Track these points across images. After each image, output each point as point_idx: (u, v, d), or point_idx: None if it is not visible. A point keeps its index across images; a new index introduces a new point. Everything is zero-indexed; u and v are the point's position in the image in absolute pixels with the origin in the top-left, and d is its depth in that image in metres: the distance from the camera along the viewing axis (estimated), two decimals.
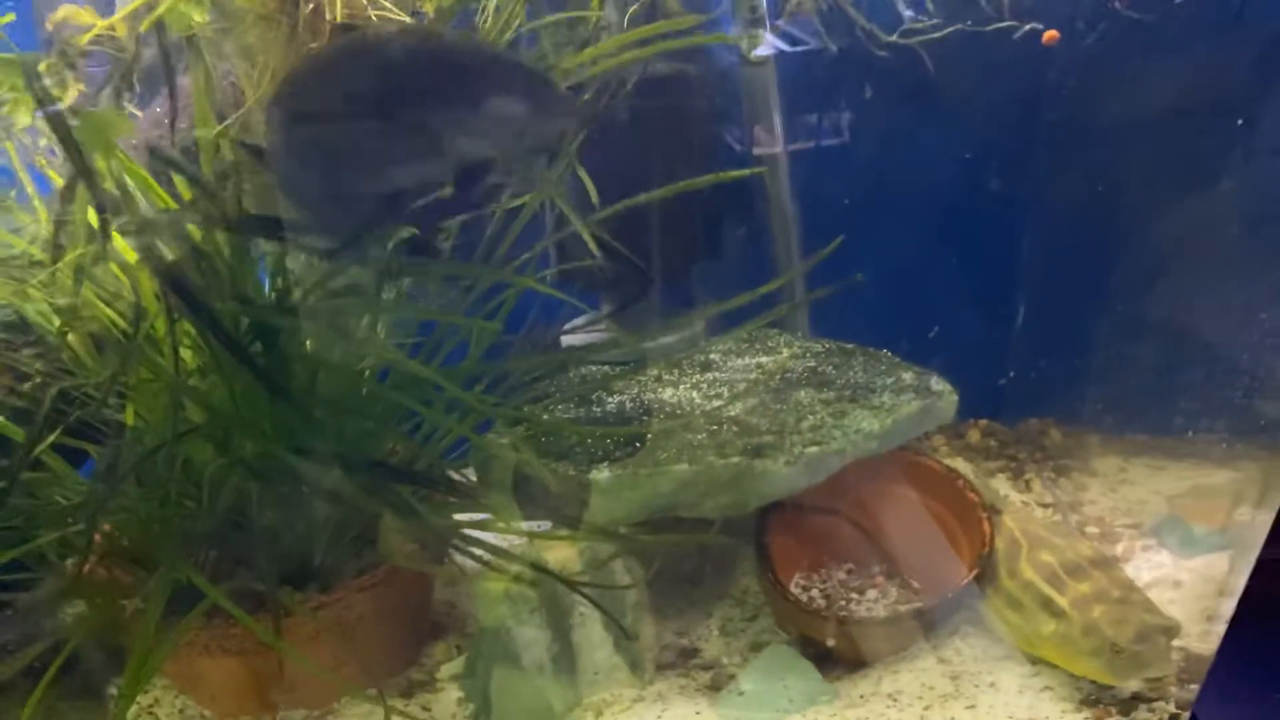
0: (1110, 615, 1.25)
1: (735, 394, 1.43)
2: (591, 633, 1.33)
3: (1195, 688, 1.31)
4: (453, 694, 1.41)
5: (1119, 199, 1.76)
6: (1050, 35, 1.62)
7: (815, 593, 1.45)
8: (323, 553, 1.36)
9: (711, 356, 1.61)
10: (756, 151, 1.75)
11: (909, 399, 1.42)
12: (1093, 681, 1.30)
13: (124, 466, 1.11)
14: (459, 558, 1.48)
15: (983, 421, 1.92)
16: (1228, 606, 1.34)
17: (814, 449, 1.30)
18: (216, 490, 1.27)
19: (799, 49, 1.76)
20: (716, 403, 1.42)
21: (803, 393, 1.44)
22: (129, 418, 1.21)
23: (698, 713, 1.34)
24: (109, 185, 1.07)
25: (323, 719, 1.38)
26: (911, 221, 1.81)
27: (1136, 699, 1.30)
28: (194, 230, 1.14)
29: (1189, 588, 1.49)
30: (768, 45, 1.74)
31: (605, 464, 1.29)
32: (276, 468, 1.12)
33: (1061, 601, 1.29)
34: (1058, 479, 1.78)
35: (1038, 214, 1.81)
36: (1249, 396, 1.68)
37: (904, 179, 1.80)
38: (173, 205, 1.19)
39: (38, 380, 1.22)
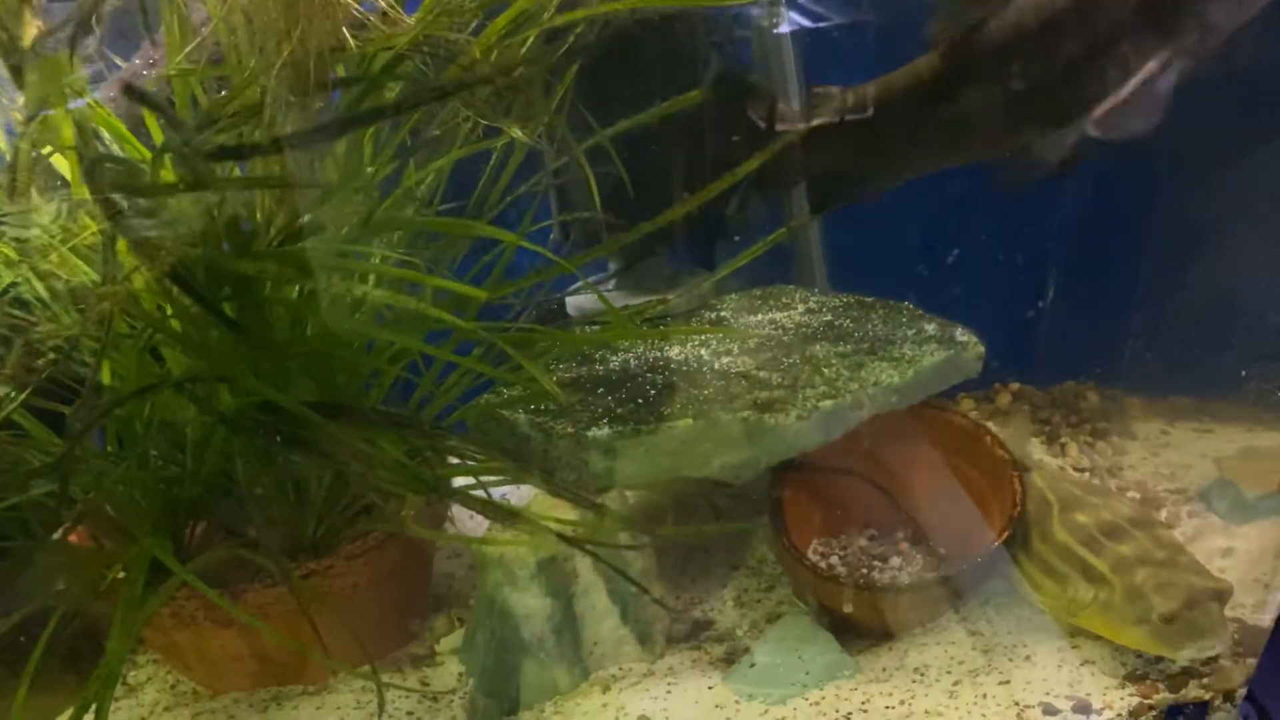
0: (1155, 579, 1.15)
1: (746, 349, 1.34)
2: (596, 602, 1.26)
3: (1252, 662, 1.21)
4: (453, 668, 1.34)
5: (1162, 153, 1.67)
6: None
7: (834, 560, 1.37)
8: (316, 521, 1.30)
9: (722, 314, 1.53)
10: (780, 128, 1.67)
11: (932, 350, 1.33)
12: (1139, 654, 1.21)
13: (96, 423, 1.05)
14: (460, 527, 1.43)
15: (1014, 384, 1.82)
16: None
17: (829, 403, 1.22)
18: (201, 452, 1.22)
19: (820, 25, 1.68)
20: (726, 359, 1.34)
21: (818, 346, 1.35)
22: (105, 376, 1.16)
23: (710, 687, 1.26)
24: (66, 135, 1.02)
25: (320, 695, 1.32)
26: (942, 180, 1.73)
27: (1187, 674, 1.20)
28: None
29: (1241, 555, 1.39)
30: (788, 21, 1.66)
31: (605, 421, 1.21)
32: (259, 421, 1.05)
33: (1100, 565, 1.19)
34: (1095, 443, 1.67)
35: (1077, 169, 1.71)
36: None
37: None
38: (146, 154, 1.14)
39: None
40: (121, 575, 1.16)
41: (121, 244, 1.04)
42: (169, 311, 1.08)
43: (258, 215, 1.03)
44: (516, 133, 0.98)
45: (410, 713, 1.27)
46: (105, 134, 1.17)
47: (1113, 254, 1.74)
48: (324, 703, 1.30)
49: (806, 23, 1.60)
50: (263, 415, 1.08)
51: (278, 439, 1.06)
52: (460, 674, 1.32)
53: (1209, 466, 1.60)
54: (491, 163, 1.29)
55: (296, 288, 1.06)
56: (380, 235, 1.10)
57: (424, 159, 1.19)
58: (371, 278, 1.18)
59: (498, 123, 0.96)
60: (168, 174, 1.12)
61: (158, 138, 1.17)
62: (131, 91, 1.03)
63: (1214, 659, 1.19)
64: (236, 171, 1.14)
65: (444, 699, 1.29)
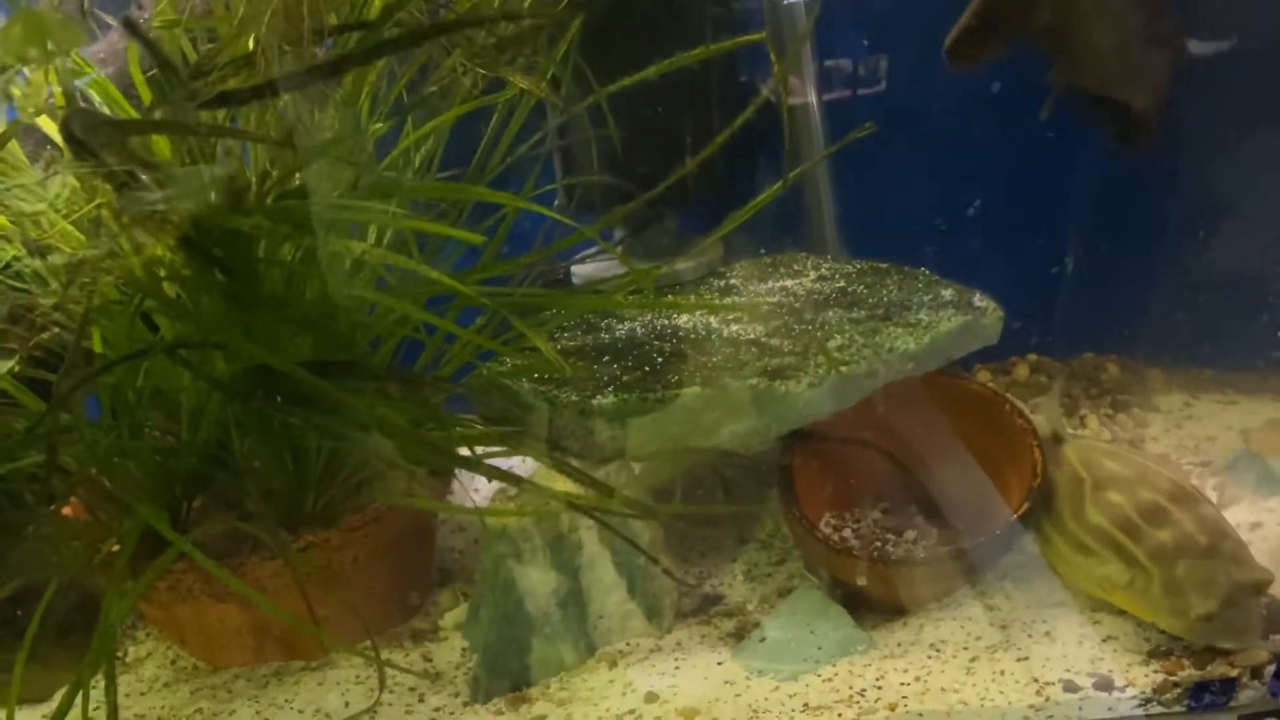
0: (1196, 574, 1.09)
1: (756, 315, 1.30)
2: (603, 575, 1.22)
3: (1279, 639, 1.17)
4: (457, 643, 1.31)
5: (1185, 120, 1.62)
6: None
7: (847, 533, 1.33)
8: (315, 493, 1.27)
9: (732, 281, 1.49)
10: (792, 102, 1.62)
11: (949, 315, 1.28)
12: (1163, 631, 1.16)
13: (82, 389, 1.02)
14: (463, 501, 1.40)
15: (1032, 356, 1.78)
16: None
17: (842, 369, 1.17)
18: (196, 422, 1.19)
19: None
20: (735, 327, 1.30)
21: (831, 313, 1.31)
22: (96, 344, 1.13)
23: (719, 663, 1.22)
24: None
25: (321, 670, 1.29)
26: (960, 152, 1.68)
27: (1212, 650, 1.15)
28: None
29: (1270, 529, 1.34)
30: None
31: (610, 389, 1.17)
32: (255, 386, 1.02)
33: (1137, 552, 1.14)
34: (1115, 415, 1.63)
35: (1097, 142, 1.67)
36: None
37: (950, 109, 1.66)
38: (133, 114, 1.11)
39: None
40: (116, 548, 1.14)
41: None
42: (161, 275, 1.05)
43: (249, 171, 0.99)
44: (521, 81, 0.94)
45: (413, 688, 1.24)
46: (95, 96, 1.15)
47: (1136, 222, 1.69)
48: (325, 678, 1.28)
49: None
50: (258, 379, 1.05)
51: (274, 402, 1.03)
52: (464, 650, 1.29)
53: (1234, 439, 1.55)
54: (492, 123, 1.24)
55: (291, 247, 1.02)
56: (376, 199, 1.06)
57: (422, 118, 1.15)
58: (371, 237, 1.14)
59: (500, 72, 0.92)
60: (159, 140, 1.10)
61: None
62: (129, 25, 0.99)
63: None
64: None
65: (447, 675, 1.26)
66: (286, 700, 1.24)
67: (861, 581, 1.17)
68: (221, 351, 1.08)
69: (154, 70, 1.00)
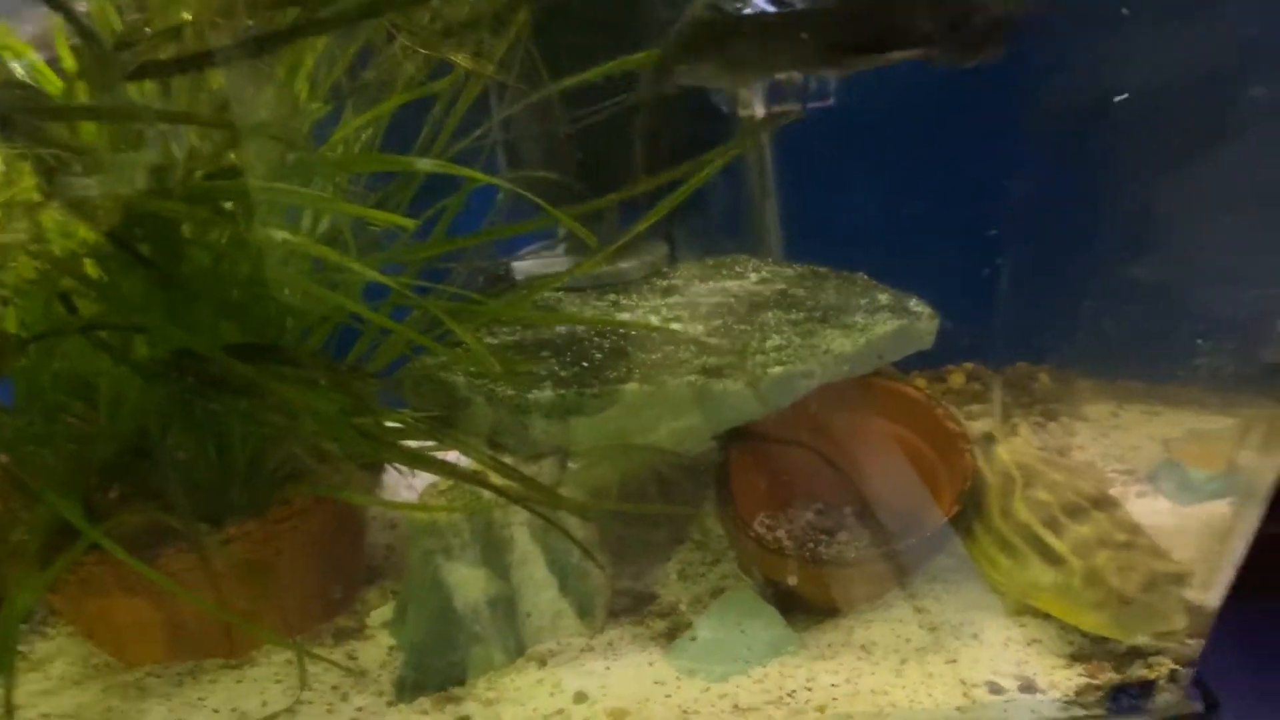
0: (1115, 562, 1.13)
1: (697, 315, 1.30)
2: (534, 573, 1.21)
3: (1197, 643, 1.20)
4: (383, 642, 1.28)
5: (1116, 135, 1.66)
6: None
7: (781, 534, 1.33)
8: (240, 484, 1.23)
9: (674, 281, 1.48)
10: (743, 113, 1.62)
11: (884, 318, 1.29)
12: (1085, 635, 1.19)
13: None
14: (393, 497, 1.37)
15: (967, 365, 1.80)
16: (1234, 556, 1.22)
17: (778, 369, 1.17)
18: (115, 408, 1.14)
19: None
20: (676, 325, 1.29)
21: (770, 314, 1.31)
22: (10, 324, 1.08)
23: (651, 663, 1.21)
24: None
25: (240, 669, 1.25)
26: (896, 161, 1.70)
27: (1133, 654, 1.18)
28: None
29: (1189, 536, 1.37)
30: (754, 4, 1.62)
31: (548, 384, 1.16)
32: (177, 370, 0.98)
33: (1060, 547, 1.16)
34: (1046, 423, 1.66)
35: (1030, 153, 1.70)
36: (1245, 342, 1.58)
37: (889, 119, 1.68)
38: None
39: None
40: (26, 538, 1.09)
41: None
42: (82, 254, 1.01)
43: (177, 149, 0.96)
44: (465, 63, 0.92)
45: (335, 687, 1.21)
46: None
47: (1068, 233, 1.72)
48: (243, 676, 1.24)
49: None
50: (181, 364, 1.02)
51: (197, 388, 0.99)
52: (390, 648, 1.26)
53: (1157, 448, 1.59)
54: (433, 113, 1.22)
55: (219, 229, 0.99)
56: (308, 179, 1.03)
57: (362, 105, 1.13)
58: (306, 222, 1.11)
59: (445, 54, 0.90)
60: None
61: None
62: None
63: (1170, 635, 1.18)
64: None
65: (372, 674, 1.22)
66: (201, 699, 1.20)
67: (792, 581, 1.17)
68: (143, 334, 1.04)
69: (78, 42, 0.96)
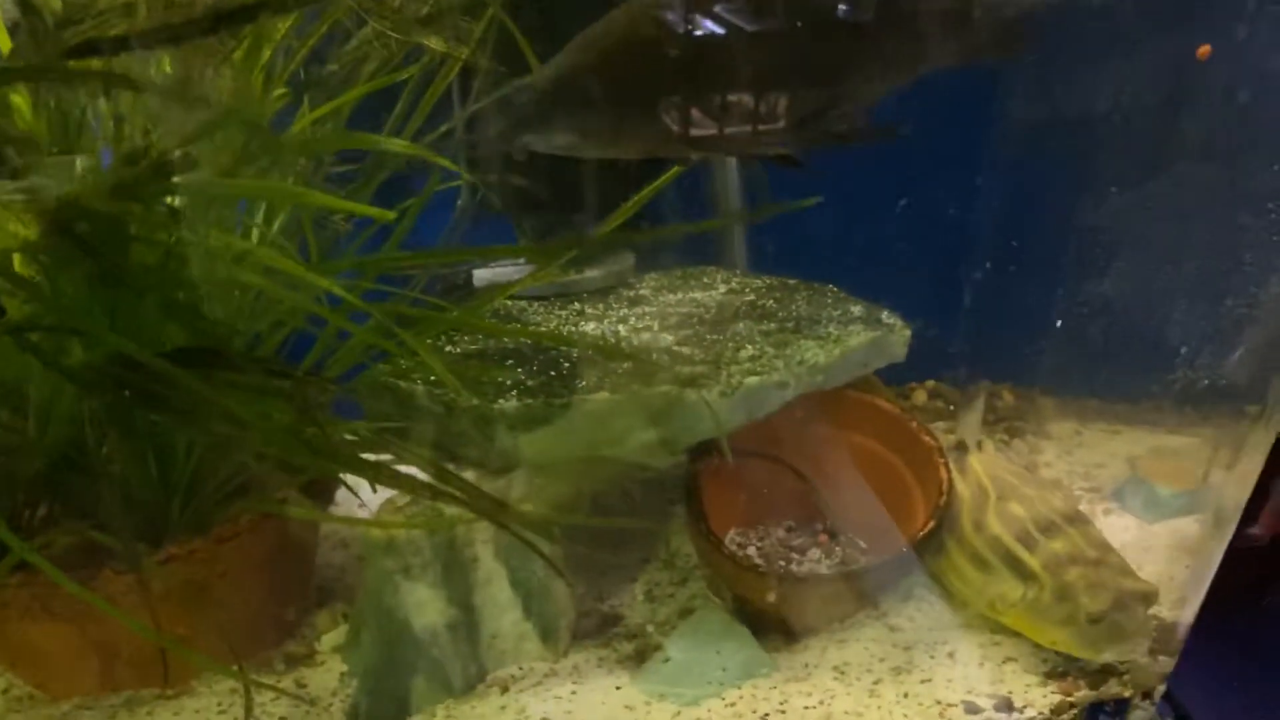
0: (1086, 579, 1.11)
1: (666, 325, 1.26)
2: (497, 594, 1.15)
3: (1169, 660, 1.19)
4: (335, 668, 1.21)
5: (1078, 156, 1.67)
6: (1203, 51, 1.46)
7: (752, 551, 1.29)
8: (182, 501, 1.15)
9: (641, 291, 1.44)
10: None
11: (858, 330, 1.27)
12: (1059, 653, 1.17)
13: None
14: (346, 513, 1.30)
15: (930, 382, 1.79)
16: (1205, 573, 1.21)
17: (753, 379, 1.14)
18: (46, 418, 1.06)
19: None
20: (645, 336, 1.25)
21: (741, 325, 1.28)
22: None
23: (618, 687, 1.16)
24: None
25: (178, 699, 1.17)
26: (861, 178, 1.69)
27: (1107, 671, 1.17)
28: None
29: (1157, 552, 1.37)
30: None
31: (514, 393, 1.11)
32: (114, 378, 0.91)
33: (1032, 563, 1.15)
34: (1011, 441, 1.65)
35: (995, 174, 1.71)
36: (1207, 361, 1.60)
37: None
38: None
39: None
40: None
41: None
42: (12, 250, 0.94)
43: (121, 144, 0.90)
44: (438, 45, 0.87)
45: (283, 718, 1.13)
46: None
47: (1031, 254, 1.73)
48: (182, 708, 1.15)
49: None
50: (119, 371, 0.94)
51: (136, 395, 0.92)
52: (343, 675, 1.19)
53: (1121, 466, 1.59)
54: (396, 110, 1.17)
55: (166, 228, 0.92)
56: (265, 170, 0.96)
57: (320, 98, 1.07)
58: (261, 216, 1.05)
59: (416, 38, 0.85)
60: (19, 95, 0.99)
61: None
62: None
63: (1133, 654, 1.17)
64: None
65: (323, 702, 1.15)
66: None
67: (772, 599, 1.13)
68: (79, 338, 0.97)
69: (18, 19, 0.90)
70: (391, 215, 0.90)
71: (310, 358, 1.16)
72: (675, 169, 1.23)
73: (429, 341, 1.20)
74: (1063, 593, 1.11)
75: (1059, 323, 1.71)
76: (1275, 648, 1.56)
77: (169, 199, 0.88)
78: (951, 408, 1.76)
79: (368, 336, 1.01)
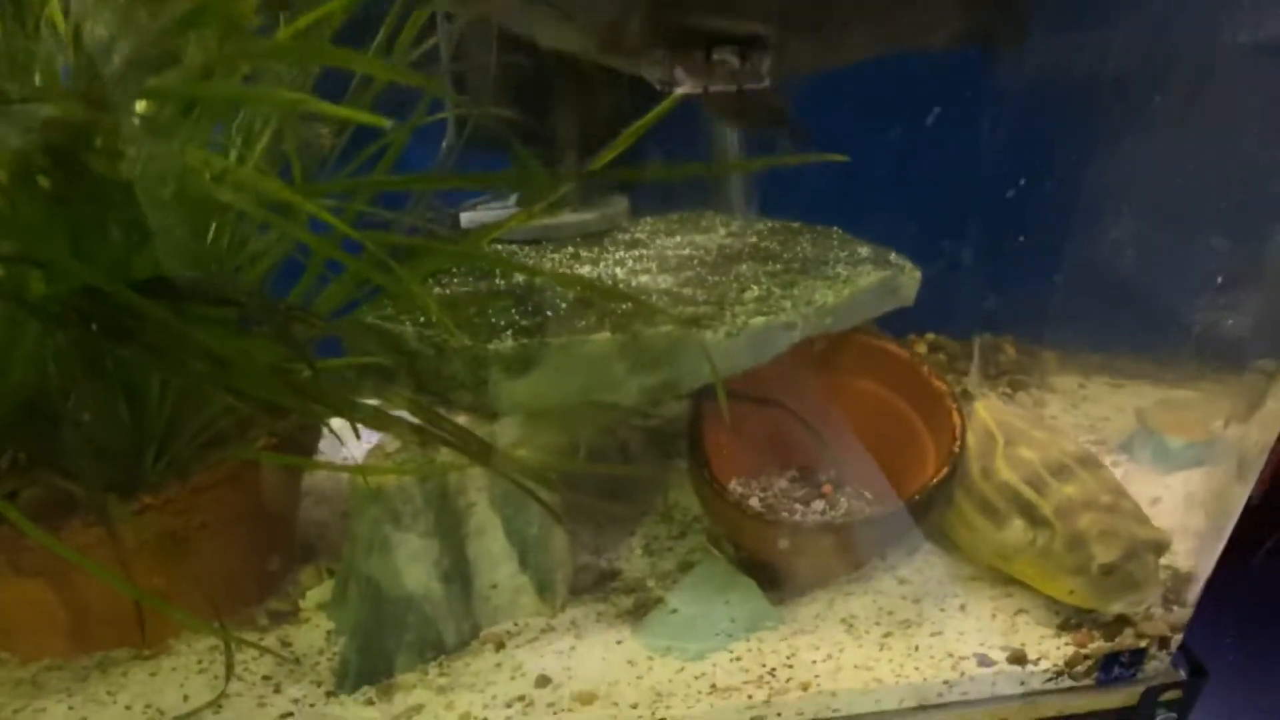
0: (1099, 526, 1.07)
1: (665, 268, 1.20)
2: (492, 545, 1.09)
3: (1186, 611, 1.15)
4: (320, 625, 1.15)
5: (1084, 111, 1.63)
6: None
7: (754, 503, 1.24)
8: (157, 448, 1.08)
9: (637, 235, 1.38)
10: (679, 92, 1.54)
11: (867, 270, 1.22)
12: (1065, 602, 1.13)
13: None
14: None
15: (930, 335, 1.75)
16: (1225, 524, 1.18)
17: (759, 319, 1.09)
18: (7, 358, 0.99)
19: None
20: (644, 278, 1.20)
21: (744, 266, 1.22)
22: None
23: (619, 642, 1.11)
24: None
25: (156, 659, 1.11)
26: (862, 130, 1.64)
27: (1121, 622, 1.13)
28: None
29: (1169, 504, 1.33)
30: None
31: (508, 333, 1.05)
32: (79, 312, 0.85)
33: (1043, 507, 1.11)
34: (1014, 394, 1.61)
35: (999, 125, 1.66)
36: (1214, 313, 1.57)
37: (849, 89, 1.62)
38: None
39: None
40: None
41: None
42: None
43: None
44: None
45: (267, 677, 1.08)
46: None
47: (1033, 206, 1.69)
48: (159, 667, 1.10)
49: None
50: (86, 303, 0.88)
51: (105, 331, 0.85)
52: (329, 632, 1.14)
53: (1126, 419, 1.56)
54: (378, 37, 1.10)
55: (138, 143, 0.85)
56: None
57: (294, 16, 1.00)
58: (233, 155, 0.98)
59: None
60: None
61: None
62: None
63: (1144, 605, 1.13)
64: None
65: (308, 661, 1.10)
66: (110, 694, 1.06)
67: (784, 546, 1.08)
68: (40, 269, 0.90)
69: None
70: (386, 123, 0.83)
71: (295, 292, 1.09)
72: (667, 102, 1.17)
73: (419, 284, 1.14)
74: (1074, 540, 1.07)
75: (1062, 275, 1.68)
76: (1266, 604, 1.54)
77: (137, 108, 0.81)
78: (945, 359, 1.72)
79: (360, 268, 0.94)
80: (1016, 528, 1.13)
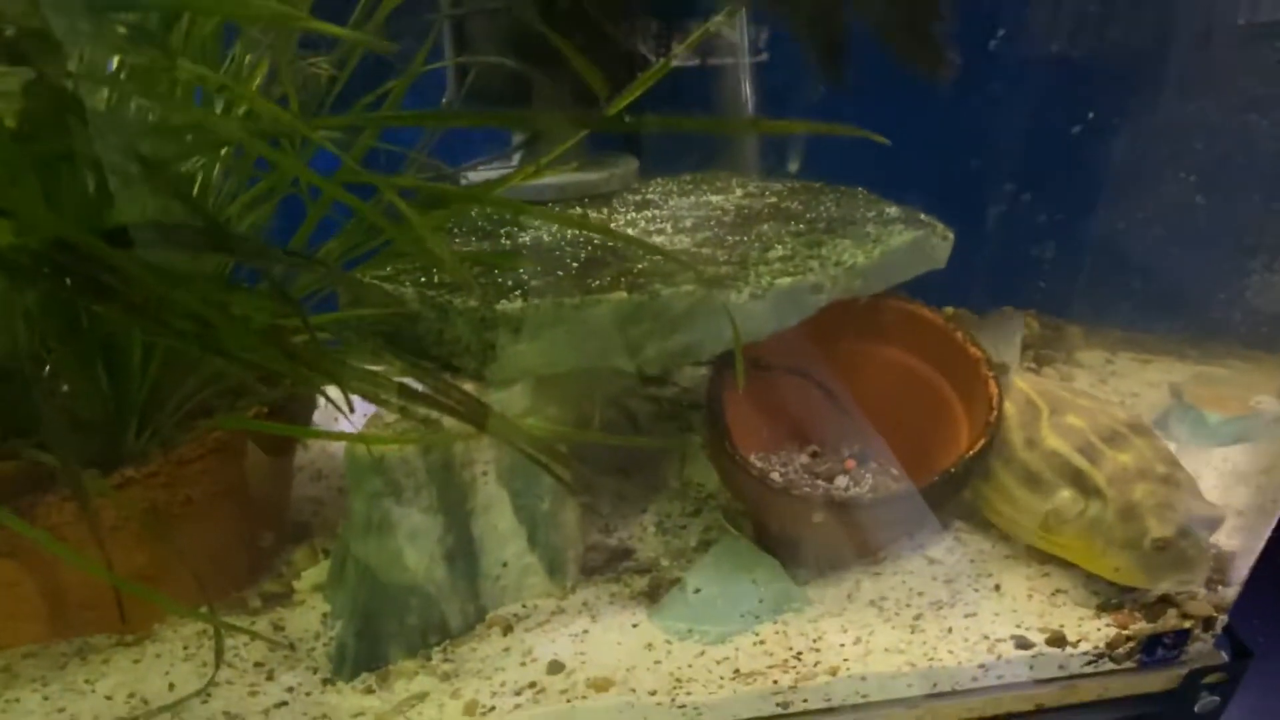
0: (1154, 498, 1.01)
1: (681, 229, 1.13)
2: (498, 521, 1.02)
3: (1231, 591, 1.09)
4: (316, 608, 1.09)
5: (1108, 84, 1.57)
6: None
7: (775, 477, 1.17)
8: (140, 419, 1.01)
9: (648, 196, 1.31)
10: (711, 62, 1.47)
11: (898, 229, 1.14)
12: (1112, 584, 1.07)
13: None
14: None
15: (949, 309, 1.68)
16: (1277, 501, 1.12)
17: (786, 280, 1.01)
18: None
19: None
20: (659, 239, 1.12)
21: (766, 226, 1.15)
22: None
23: (634, 625, 1.05)
24: None
25: (139, 644, 1.04)
26: (888, 104, 1.58)
27: (1164, 602, 1.07)
28: None
29: (1211, 480, 1.27)
30: None
31: (517, 294, 0.97)
32: (52, 264, 0.77)
33: (1096, 476, 1.04)
34: (1040, 369, 1.55)
35: (1024, 98, 1.60)
36: (1238, 292, 1.52)
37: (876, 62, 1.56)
38: None
39: None
40: None
41: None
42: None
43: None
44: None
45: (259, 664, 1.01)
46: None
47: (1059, 180, 1.63)
48: (143, 654, 1.02)
49: None
50: (60, 256, 0.80)
51: (81, 287, 0.78)
52: (325, 615, 1.07)
53: (1156, 395, 1.50)
54: None
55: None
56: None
57: None
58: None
59: None
60: None
61: None
62: None
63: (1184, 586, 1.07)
64: None
65: (303, 646, 1.03)
66: (88, 683, 0.99)
67: (817, 520, 1.01)
68: (8, 218, 0.82)
69: None
70: (394, 46, 0.76)
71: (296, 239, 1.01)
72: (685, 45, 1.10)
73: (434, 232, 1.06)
74: (1128, 512, 1.01)
75: (1087, 250, 1.62)
76: None
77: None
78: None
79: (369, 213, 0.86)
80: (1064, 498, 1.07)
